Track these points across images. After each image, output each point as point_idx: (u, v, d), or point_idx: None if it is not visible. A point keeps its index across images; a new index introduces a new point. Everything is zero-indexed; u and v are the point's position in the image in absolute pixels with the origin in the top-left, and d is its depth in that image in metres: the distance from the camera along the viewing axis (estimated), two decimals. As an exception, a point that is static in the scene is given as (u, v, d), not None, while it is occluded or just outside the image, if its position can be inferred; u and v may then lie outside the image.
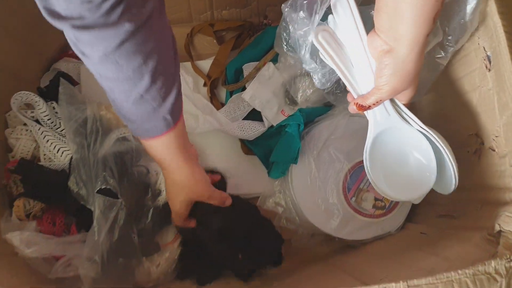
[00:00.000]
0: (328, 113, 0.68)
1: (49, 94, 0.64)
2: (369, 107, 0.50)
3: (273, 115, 0.68)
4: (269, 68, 0.69)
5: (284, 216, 0.67)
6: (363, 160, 0.55)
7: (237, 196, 0.63)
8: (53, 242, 0.55)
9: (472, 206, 0.55)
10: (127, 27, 0.37)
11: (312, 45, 0.53)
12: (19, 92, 0.60)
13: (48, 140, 0.60)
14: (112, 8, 0.35)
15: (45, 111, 0.61)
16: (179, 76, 0.48)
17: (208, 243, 0.59)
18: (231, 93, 0.72)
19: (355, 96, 0.51)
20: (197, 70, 0.74)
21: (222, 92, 0.74)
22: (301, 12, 0.53)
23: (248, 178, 0.71)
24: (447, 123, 0.61)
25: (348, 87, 0.52)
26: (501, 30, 0.49)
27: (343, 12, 0.49)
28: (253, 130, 0.68)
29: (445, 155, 0.52)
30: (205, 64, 0.75)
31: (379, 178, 0.56)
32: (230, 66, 0.73)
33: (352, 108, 0.52)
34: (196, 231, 0.60)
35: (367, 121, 0.54)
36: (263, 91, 0.68)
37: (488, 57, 0.52)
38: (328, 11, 0.52)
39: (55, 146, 0.60)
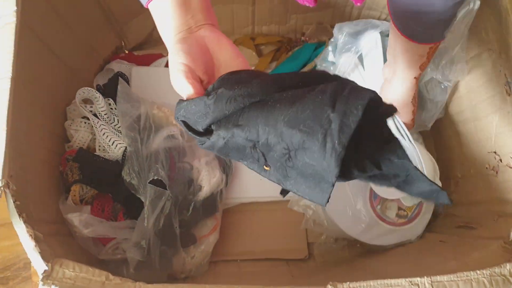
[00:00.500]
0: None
1: (107, 91, 0.70)
2: None
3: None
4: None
5: (312, 218, 0.72)
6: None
7: None
8: (106, 225, 0.61)
9: (490, 217, 0.60)
10: None
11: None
12: (83, 88, 0.66)
13: (104, 133, 0.66)
14: None
15: (103, 107, 0.67)
16: None
17: None
18: (268, 103, 0.78)
19: None
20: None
21: (259, 101, 0.81)
22: None
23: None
24: (469, 141, 0.67)
25: None
26: (521, 61, 0.55)
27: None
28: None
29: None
30: (246, 71, 0.81)
31: None
32: (268, 77, 0.79)
33: None
34: None
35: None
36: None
37: (509, 83, 0.58)
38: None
39: (110, 139, 0.66)
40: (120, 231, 0.62)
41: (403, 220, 0.69)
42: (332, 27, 0.77)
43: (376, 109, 0.35)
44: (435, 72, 0.68)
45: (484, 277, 0.45)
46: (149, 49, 0.84)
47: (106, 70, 0.78)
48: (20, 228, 0.44)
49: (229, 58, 0.42)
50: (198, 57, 0.40)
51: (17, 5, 0.49)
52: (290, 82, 0.38)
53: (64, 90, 0.69)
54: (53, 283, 0.41)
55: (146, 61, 0.80)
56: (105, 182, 0.65)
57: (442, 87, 0.69)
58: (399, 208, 0.69)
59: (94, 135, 0.67)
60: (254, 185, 0.76)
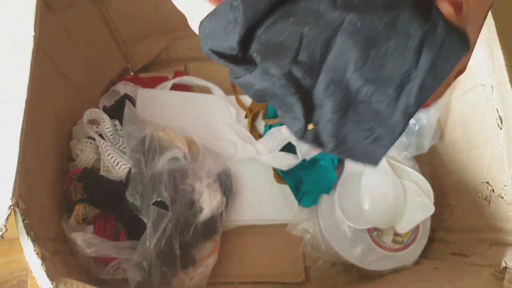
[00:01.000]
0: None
1: (113, 112, 0.72)
2: None
3: (306, 150, 0.76)
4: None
5: (310, 243, 0.73)
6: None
7: None
8: (109, 245, 0.61)
9: (482, 245, 0.62)
10: None
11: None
12: (91, 109, 0.68)
13: (109, 154, 0.67)
14: None
15: (109, 128, 0.69)
16: None
17: None
18: (269, 127, 0.80)
19: None
20: (240, 103, 0.83)
21: (261, 125, 0.83)
22: None
23: (277, 205, 0.78)
24: (463, 170, 0.70)
25: None
26: (511, 98, 0.59)
27: None
28: (287, 161, 0.75)
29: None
30: (249, 98, 0.84)
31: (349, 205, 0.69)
32: (271, 102, 0.81)
33: None
34: None
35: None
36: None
37: (500, 118, 0.61)
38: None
39: (114, 160, 0.67)
40: (122, 251, 0.63)
41: (399, 246, 0.71)
42: None
43: None
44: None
45: (477, 303, 0.47)
46: (155, 71, 0.87)
47: (112, 92, 0.80)
48: (28, 247, 0.45)
49: None
50: None
51: (35, 29, 0.52)
52: None
53: (71, 109, 0.70)
54: (58, 302, 0.42)
55: (152, 83, 0.82)
56: (108, 202, 0.66)
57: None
58: (395, 234, 0.71)
59: (99, 155, 0.68)
60: (253, 208, 0.78)
